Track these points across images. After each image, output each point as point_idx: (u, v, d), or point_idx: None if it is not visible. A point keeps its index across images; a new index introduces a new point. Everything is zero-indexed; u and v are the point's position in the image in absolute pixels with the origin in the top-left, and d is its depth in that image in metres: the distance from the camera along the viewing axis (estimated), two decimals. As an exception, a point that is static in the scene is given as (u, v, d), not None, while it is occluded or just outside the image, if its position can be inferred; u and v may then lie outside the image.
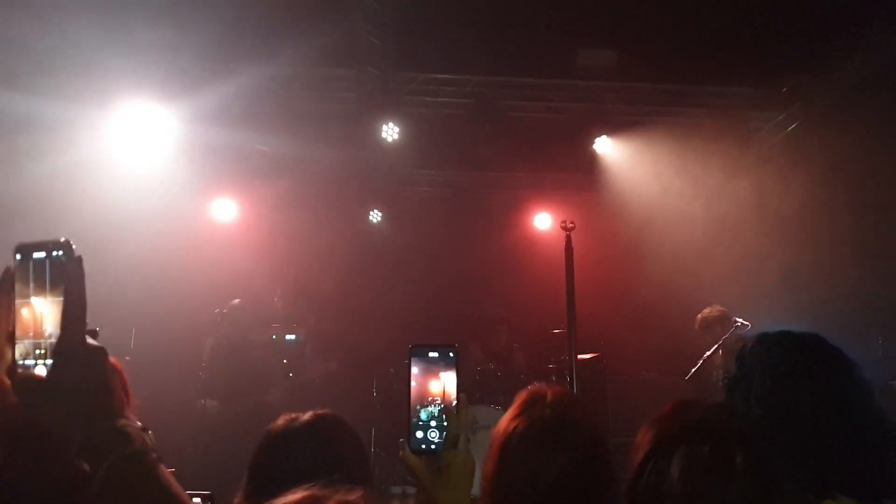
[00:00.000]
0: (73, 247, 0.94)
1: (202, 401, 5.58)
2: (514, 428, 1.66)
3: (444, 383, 1.42)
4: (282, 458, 1.67)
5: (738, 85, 7.66)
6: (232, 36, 6.01)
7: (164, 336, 6.16)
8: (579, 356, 6.63)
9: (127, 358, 5.97)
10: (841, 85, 7.04)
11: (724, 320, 5.73)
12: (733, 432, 1.24)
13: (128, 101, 6.60)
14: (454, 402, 1.40)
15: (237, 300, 6.09)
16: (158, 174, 6.77)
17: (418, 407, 1.40)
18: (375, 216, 8.83)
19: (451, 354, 1.44)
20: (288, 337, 6.94)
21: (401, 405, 1.50)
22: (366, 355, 6.81)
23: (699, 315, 5.88)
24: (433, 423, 1.41)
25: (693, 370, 5.53)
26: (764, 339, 1.65)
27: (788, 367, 1.55)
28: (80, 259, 0.94)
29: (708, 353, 5.55)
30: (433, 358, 1.43)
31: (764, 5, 5.76)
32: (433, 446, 1.39)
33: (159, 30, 6.05)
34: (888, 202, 5.99)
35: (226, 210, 7.89)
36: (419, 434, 1.39)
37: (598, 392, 7.12)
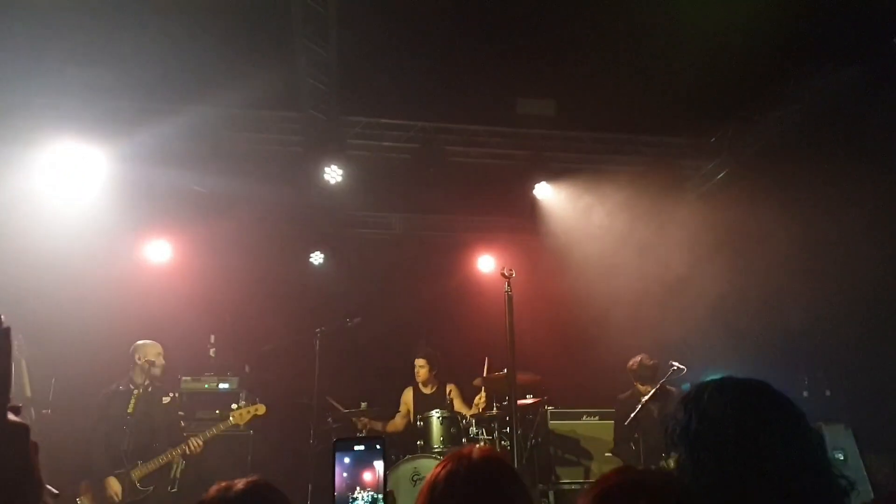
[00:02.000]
0: (2, 317, 0.88)
1: (106, 478, 5.08)
2: (441, 470, 1.71)
3: (376, 473, 1.41)
4: None
5: (670, 135, 8.01)
6: (169, 76, 5.92)
7: (88, 387, 5.82)
8: (522, 401, 6.66)
9: (45, 411, 5.62)
10: (764, 136, 7.44)
11: (653, 368, 5.91)
12: (671, 492, 1.32)
13: (57, 140, 6.37)
14: (383, 496, 1.40)
15: (142, 340, 5.62)
16: (89, 215, 6.52)
17: (349, 498, 1.38)
18: (317, 258, 8.72)
19: (379, 447, 1.44)
20: (221, 386, 6.68)
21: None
22: (304, 403, 6.61)
23: (629, 363, 6.06)
24: None
25: (633, 414, 5.59)
26: (713, 387, 1.64)
27: (736, 418, 1.54)
28: (7, 330, 0.88)
29: (645, 398, 5.63)
30: (360, 451, 1.43)
31: (694, 59, 6.07)
32: None
33: (91, 68, 5.90)
34: (809, 245, 6.29)
35: (160, 252, 7.65)
36: None
37: (540, 436, 7.13)
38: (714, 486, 1.48)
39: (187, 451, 5.26)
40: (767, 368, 7.15)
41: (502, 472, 1.72)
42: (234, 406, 5.74)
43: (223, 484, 1.70)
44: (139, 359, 5.50)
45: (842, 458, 5.90)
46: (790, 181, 6.59)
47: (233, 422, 5.55)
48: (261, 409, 5.69)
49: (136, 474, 5.14)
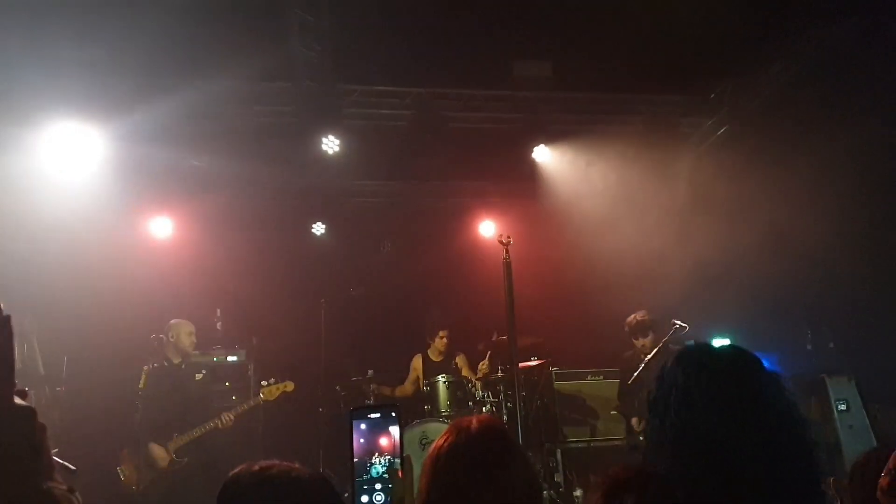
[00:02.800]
0: (1, 306, 0.91)
1: (148, 444, 5.31)
2: (444, 443, 1.78)
3: (392, 439, 1.46)
4: None
5: (668, 93, 7.93)
6: (164, 53, 5.89)
7: (99, 363, 5.93)
8: (526, 363, 6.75)
9: (59, 389, 5.73)
10: (764, 90, 7.37)
11: (644, 323, 5.92)
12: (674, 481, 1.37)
13: (56, 120, 6.38)
14: (400, 460, 1.44)
15: (175, 319, 5.88)
16: (90, 194, 6.55)
17: (367, 463, 1.43)
18: (318, 229, 8.75)
19: (394, 414, 1.49)
20: (229, 358, 6.79)
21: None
22: (311, 372, 6.72)
23: (626, 320, 6.07)
24: (378, 486, 1.43)
25: (635, 374, 5.67)
26: (680, 358, 1.60)
27: (700, 388, 1.49)
28: (7, 318, 0.91)
29: (648, 356, 5.70)
30: (376, 419, 1.47)
31: (690, 15, 5.99)
32: None
33: (87, 48, 5.86)
34: (811, 199, 6.28)
35: (161, 228, 7.68)
36: (364, 498, 1.42)
37: (546, 397, 7.24)
38: (658, 455, 1.49)
39: (219, 426, 5.47)
40: (771, 322, 7.22)
41: (502, 443, 1.79)
42: (263, 383, 5.92)
43: (246, 465, 1.76)
44: (172, 337, 5.73)
45: (844, 408, 6.01)
46: (791, 136, 6.55)
47: (263, 398, 5.79)
48: (289, 385, 5.92)
49: (171, 446, 5.37)
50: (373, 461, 1.44)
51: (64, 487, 0.92)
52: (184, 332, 5.82)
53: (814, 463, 1.47)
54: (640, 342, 5.95)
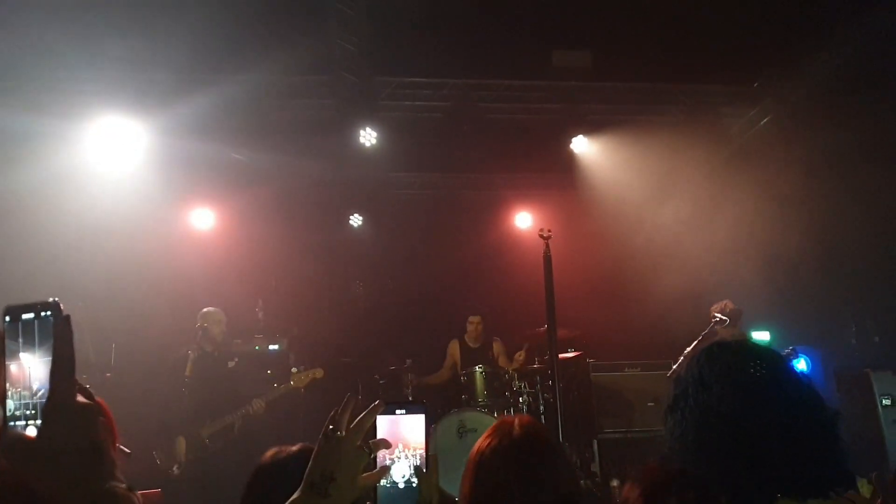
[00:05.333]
0: (62, 306, 0.94)
1: (182, 432, 5.38)
2: (487, 446, 1.80)
3: (417, 437, 1.38)
4: (272, 490, 1.65)
5: (710, 82, 7.77)
6: (204, 47, 5.98)
7: (146, 350, 6.09)
8: (563, 355, 6.73)
9: (108, 375, 5.90)
10: (810, 80, 7.17)
11: (738, 314, 5.81)
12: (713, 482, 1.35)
13: (101, 114, 6.56)
14: (425, 460, 1.36)
15: (209, 308, 5.89)
16: (135, 186, 6.73)
17: (388, 461, 1.34)
18: (356, 221, 8.83)
19: (421, 411, 1.40)
20: (271, 347, 6.90)
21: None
22: (350, 362, 6.81)
23: (712, 308, 5.96)
24: (402, 487, 1.34)
25: (674, 366, 5.61)
26: (692, 359, 1.62)
27: (715, 373, 1.51)
28: (68, 318, 0.94)
29: (689, 349, 5.63)
30: (402, 415, 1.39)
31: (732, 4, 5.85)
32: None
33: (130, 43, 6.00)
34: (855, 191, 6.11)
35: (204, 220, 7.84)
36: (385, 502, 1.33)
37: (583, 389, 7.21)
38: (681, 444, 1.49)
39: (250, 412, 5.53)
40: (815, 316, 7.06)
41: (544, 446, 1.81)
42: (293, 370, 5.95)
43: (279, 448, 1.81)
44: (205, 325, 5.77)
45: (889, 403, 5.86)
46: (835, 127, 6.37)
47: (293, 385, 5.80)
48: (319, 372, 5.91)
49: (204, 432, 5.44)
50: (397, 457, 1.34)
51: (124, 486, 0.93)
52: (213, 320, 5.82)
53: (837, 439, 1.45)
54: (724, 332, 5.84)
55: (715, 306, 5.93)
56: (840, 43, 6.62)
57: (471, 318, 7.03)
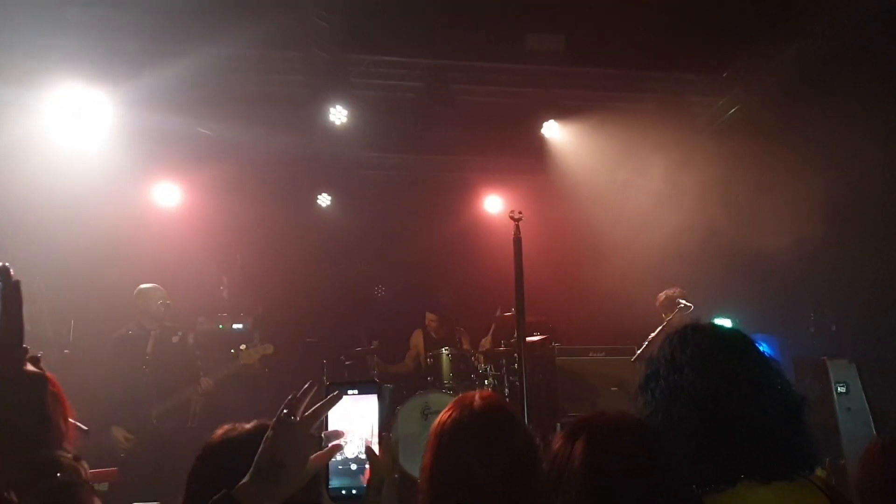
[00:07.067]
0: (11, 271, 0.90)
1: (132, 411, 5.21)
2: (448, 418, 1.82)
3: (369, 421, 1.34)
4: (222, 470, 1.52)
5: (681, 70, 7.83)
6: (173, 17, 5.81)
7: (105, 327, 5.95)
8: (529, 338, 6.77)
9: (66, 351, 5.75)
10: (780, 70, 7.26)
11: (672, 301, 5.95)
12: (626, 423, 1.40)
13: (62, 83, 6.31)
14: (376, 442, 1.33)
15: (145, 284, 5.61)
16: (97, 158, 6.52)
17: (342, 442, 1.30)
18: (324, 200, 8.73)
19: (373, 391, 1.36)
20: (235, 326, 6.82)
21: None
22: (316, 341, 6.76)
23: (658, 295, 6.08)
24: (354, 467, 1.31)
25: (639, 351, 5.69)
26: (665, 340, 1.67)
27: (686, 355, 1.56)
28: (17, 283, 0.90)
29: (653, 334, 5.72)
30: (354, 395, 1.34)
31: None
32: (354, 491, 1.30)
33: (94, 9, 5.79)
34: (820, 181, 6.23)
35: (169, 195, 7.67)
36: (336, 481, 1.30)
37: (547, 373, 7.28)
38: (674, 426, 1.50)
39: (199, 391, 5.39)
40: (775, 305, 7.22)
41: (504, 420, 1.82)
42: (242, 347, 5.82)
43: (231, 425, 1.75)
44: (143, 303, 5.55)
45: (844, 391, 6.03)
46: (805, 118, 6.47)
47: (242, 362, 5.64)
48: (269, 348, 5.78)
49: (153, 412, 5.28)
50: (347, 440, 1.30)
51: (70, 455, 0.91)
52: (152, 297, 5.56)
53: (802, 423, 1.50)
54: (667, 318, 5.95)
55: (670, 292, 6.02)
56: (810, 35, 6.71)
57: (428, 315, 7.09)
